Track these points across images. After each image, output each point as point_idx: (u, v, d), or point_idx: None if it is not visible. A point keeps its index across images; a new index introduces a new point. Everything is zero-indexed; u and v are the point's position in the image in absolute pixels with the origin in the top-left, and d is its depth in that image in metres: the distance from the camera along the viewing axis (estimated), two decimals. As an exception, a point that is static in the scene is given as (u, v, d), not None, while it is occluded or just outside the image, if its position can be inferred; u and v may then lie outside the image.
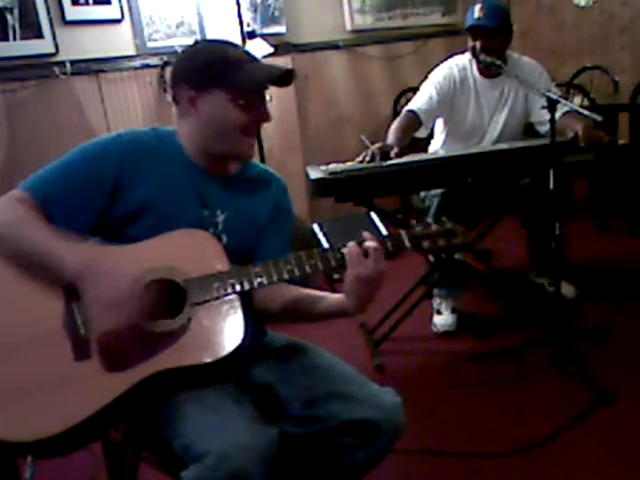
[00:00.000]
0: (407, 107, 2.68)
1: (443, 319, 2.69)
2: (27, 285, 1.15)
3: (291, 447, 1.28)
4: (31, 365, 1.12)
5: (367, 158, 2.29)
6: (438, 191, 2.56)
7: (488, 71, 2.61)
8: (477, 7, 2.51)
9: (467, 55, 2.68)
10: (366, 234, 1.26)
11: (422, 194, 2.69)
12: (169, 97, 1.38)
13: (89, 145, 1.29)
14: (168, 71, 3.16)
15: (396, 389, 1.32)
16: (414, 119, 2.62)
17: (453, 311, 2.70)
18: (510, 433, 1.96)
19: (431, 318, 2.73)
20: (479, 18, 2.50)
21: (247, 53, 1.34)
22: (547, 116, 2.08)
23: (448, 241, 1.31)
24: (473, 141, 2.70)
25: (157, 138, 1.34)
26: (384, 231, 1.31)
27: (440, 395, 2.25)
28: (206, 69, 1.28)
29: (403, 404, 1.30)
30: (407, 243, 1.29)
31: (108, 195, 1.24)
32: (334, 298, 1.31)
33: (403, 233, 1.29)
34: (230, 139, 1.32)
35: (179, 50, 3.18)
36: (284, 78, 1.32)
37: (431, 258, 1.33)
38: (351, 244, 1.24)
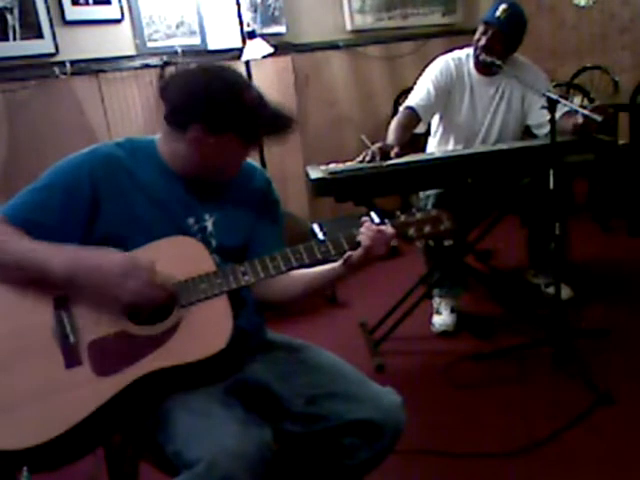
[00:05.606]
0: (405, 104, 2.67)
1: (442, 319, 2.69)
2: (16, 298, 1.18)
3: (292, 446, 1.28)
4: (24, 375, 1.13)
5: (367, 158, 2.29)
6: (433, 192, 2.56)
7: (485, 69, 2.61)
8: (503, 6, 2.48)
9: (465, 50, 2.68)
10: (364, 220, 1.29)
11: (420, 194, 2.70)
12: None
13: (63, 163, 1.27)
14: (167, 73, 3.15)
15: (396, 389, 1.33)
16: (413, 116, 2.61)
17: (452, 311, 2.70)
18: (510, 433, 1.96)
19: (431, 318, 2.74)
20: (498, 18, 2.48)
21: (257, 91, 1.29)
22: (547, 117, 2.08)
23: (434, 228, 1.32)
24: (468, 139, 2.69)
25: (133, 150, 1.32)
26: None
27: (440, 395, 2.25)
28: (223, 113, 1.23)
29: (403, 404, 1.30)
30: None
31: (87, 211, 1.23)
32: (329, 272, 1.33)
33: (388, 222, 1.30)
34: (225, 172, 1.34)
35: (179, 51, 3.20)
36: (289, 126, 1.31)
37: (419, 244, 1.34)
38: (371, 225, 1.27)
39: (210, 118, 1.24)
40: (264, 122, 1.29)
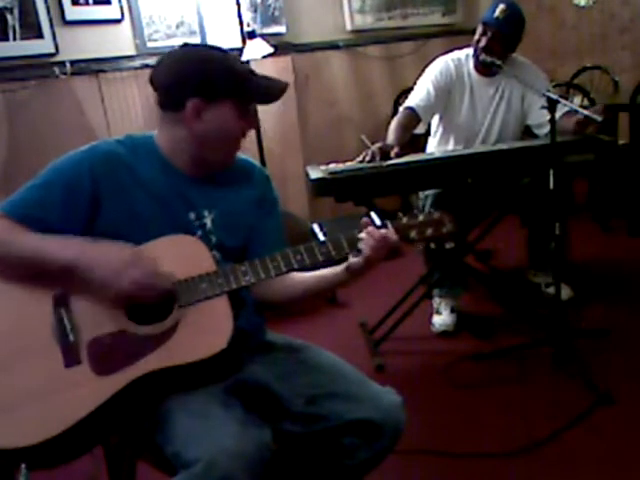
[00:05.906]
0: (405, 104, 2.67)
1: (442, 319, 2.69)
2: (16, 296, 1.18)
3: (292, 446, 1.28)
4: (24, 374, 1.13)
5: (367, 158, 2.29)
6: (431, 192, 2.56)
7: (485, 69, 2.61)
8: (501, 7, 2.47)
9: (465, 51, 2.68)
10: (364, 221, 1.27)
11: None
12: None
13: (62, 160, 1.26)
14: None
15: (396, 389, 1.33)
16: (413, 116, 2.61)
17: (452, 311, 2.70)
18: (510, 433, 1.96)
19: (431, 318, 2.74)
20: (497, 18, 2.47)
21: (244, 63, 1.34)
22: (547, 117, 2.08)
23: (436, 230, 1.30)
24: (468, 139, 2.69)
25: (133, 146, 1.31)
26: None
27: (440, 395, 2.24)
28: (217, 80, 1.25)
29: (403, 404, 1.30)
30: None
31: (87, 208, 1.23)
32: (331, 276, 1.33)
33: (389, 223, 1.29)
34: (225, 149, 1.32)
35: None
36: (282, 92, 1.33)
37: (420, 246, 1.32)
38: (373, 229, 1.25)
39: (204, 88, 1.24)
40: (257, 85, 1.29)
